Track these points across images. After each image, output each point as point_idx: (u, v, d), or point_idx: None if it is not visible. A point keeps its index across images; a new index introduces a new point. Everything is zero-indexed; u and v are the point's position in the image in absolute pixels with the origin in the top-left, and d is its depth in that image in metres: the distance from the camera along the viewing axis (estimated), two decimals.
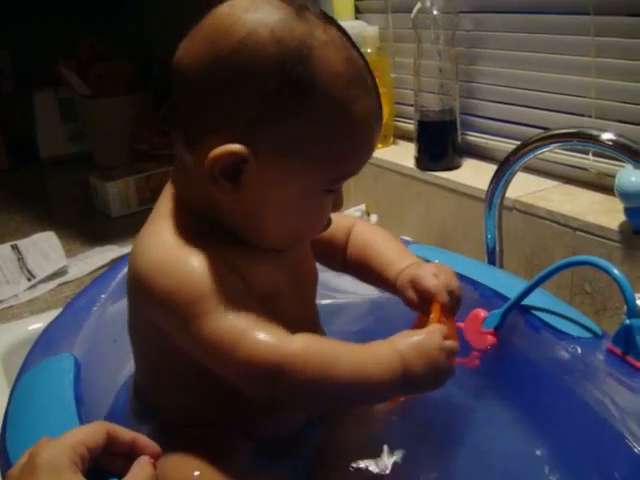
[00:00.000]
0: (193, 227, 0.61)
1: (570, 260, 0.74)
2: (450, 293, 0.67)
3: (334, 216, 0.67)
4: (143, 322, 0.62)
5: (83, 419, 0.62)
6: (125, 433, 0.54)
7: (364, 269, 0.75)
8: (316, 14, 0.58)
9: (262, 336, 0.55)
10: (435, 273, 0.68)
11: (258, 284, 0.62)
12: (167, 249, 0.59)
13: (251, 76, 0.56)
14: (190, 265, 0.58)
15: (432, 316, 0.65)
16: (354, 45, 0.60)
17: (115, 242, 1.48)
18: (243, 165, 0.57)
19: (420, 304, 0.68)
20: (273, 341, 0.55)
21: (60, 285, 1.32)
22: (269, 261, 0.64)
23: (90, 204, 1.75)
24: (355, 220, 0.79)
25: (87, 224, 1.65)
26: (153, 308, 0.59)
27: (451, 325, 0.65)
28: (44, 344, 0.77)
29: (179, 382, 0.64)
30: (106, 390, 0.74)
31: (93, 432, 0.52)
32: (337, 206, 0.65)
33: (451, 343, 0.60)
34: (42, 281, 1.33)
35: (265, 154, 0.57)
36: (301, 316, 0.68)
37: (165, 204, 0.64)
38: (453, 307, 0.67)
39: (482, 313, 0.77)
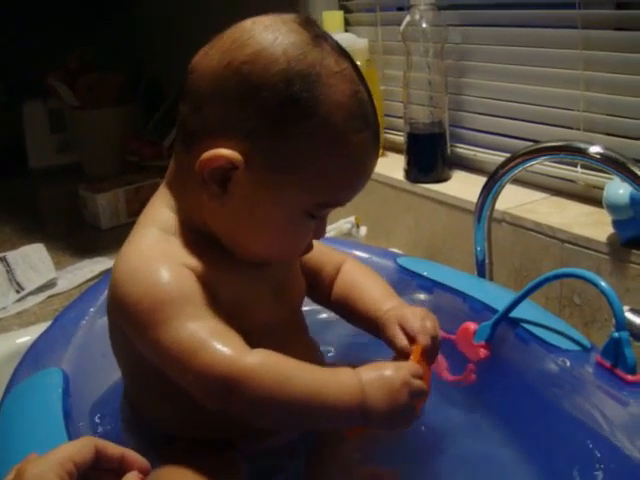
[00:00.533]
0: (175, 233, 0.62)
1: (558, 272, 0.75)
2: (432, 339, 0.66)
3: (327, 250, 0.67)
4: (119, 331, 0.62)
5: (71, 434, 0.61)
6: (114, 448, 0.54)
7: (348, 306, 0.75)
8: (332, 45, 0.60)
9: (220, 348, 0.55)
10: (422, 316, 0.68)
11: (232, 295, 0.62)
12: (142, 257, 0.60)
13: (256, 89, 0.57)
14: (158, 273, 0.58)
15: (412, 357, 0.64)
16: (363, 81, 0.61)
17: (104, 254, 1.47)
18: (233, 172, 0.59)
19: (403, 343, 0.67)
20: (230, 354, 0.55)
21: (49, 297, 1.31)
22: (249, 272, 0.64)
23: (79, 216, 1.74)
24: (346, 257, 0.79)
25: (76, 236, 1.64)
26: (120, 315, 0.60)
27: (427, 370, 0.63)
28: (32, 358, 0.76)
29: (158, 392, 0.64)
30: (95, 405, 0.74)
31: (81, 448, 0.51)
32: (319, 234, 0.65)
33: (419, 382, 0.59)
34: (31, 293, 1.32)
35: (256, 165, 0.58)
36: (284, 328, 0.68)
37: (154, 207, 0.65)
38: (431, 354, 0.67)
39: (472, 326, 0.77)
